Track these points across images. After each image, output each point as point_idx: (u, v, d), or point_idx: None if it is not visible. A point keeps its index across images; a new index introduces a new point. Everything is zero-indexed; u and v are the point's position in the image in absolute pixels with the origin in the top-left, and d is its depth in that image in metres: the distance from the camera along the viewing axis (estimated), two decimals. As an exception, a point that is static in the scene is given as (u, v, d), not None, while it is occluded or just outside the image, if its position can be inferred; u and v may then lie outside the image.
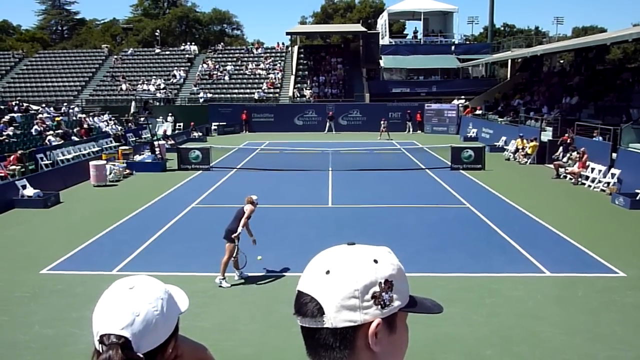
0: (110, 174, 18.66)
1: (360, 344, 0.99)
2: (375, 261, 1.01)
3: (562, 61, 42.97)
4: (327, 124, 35.54)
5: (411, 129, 35.51)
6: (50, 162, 20.25)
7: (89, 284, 8.82)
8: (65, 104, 34.13)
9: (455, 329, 7.33)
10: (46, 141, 22.11)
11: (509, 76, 40.86)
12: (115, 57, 47.60)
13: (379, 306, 0.99)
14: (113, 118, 32.11)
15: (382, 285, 1.00)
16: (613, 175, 16.55)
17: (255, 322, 7.62)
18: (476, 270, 9.60)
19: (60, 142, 22.52)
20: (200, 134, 33.39)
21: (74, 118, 28.72)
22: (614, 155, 17.19)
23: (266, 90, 41.23)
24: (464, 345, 6.99)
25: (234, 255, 8.92)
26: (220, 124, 36.22)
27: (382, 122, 32.71)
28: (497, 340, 7.07)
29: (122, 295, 1.11)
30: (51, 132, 23.53)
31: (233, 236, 8.86)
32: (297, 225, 12.80)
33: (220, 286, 8.78)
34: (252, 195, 9.40)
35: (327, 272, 1.00)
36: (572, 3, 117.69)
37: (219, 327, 7.45)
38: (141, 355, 1.09)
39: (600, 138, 18.83)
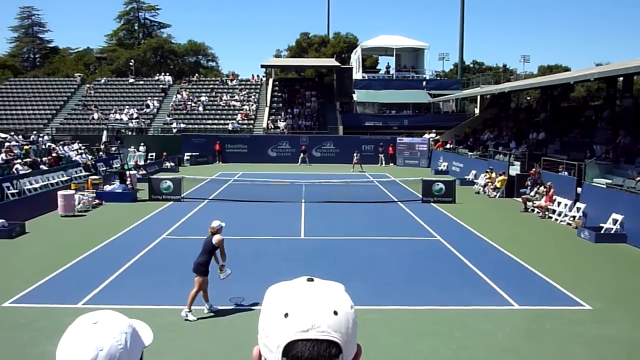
0: (78, 203, 18.28)
1: None
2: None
3: (528, 98, 44.55)
4: (301, 157, 35.77)
5: (384, 162, 35.99)
6: (17, 191, 19.76)
7: (53, 318, 8.55)
8: (34, 132, 33.57)
9: (425, 363, 7.34)
10: (14, 170, 21.62)
11: (478, 111, 42.00)
12: (88, 85, 47.28)
13: None
14: (83, 147, 31.67)
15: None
16: (578, 209, 17.00)
17: (226, 357, 7.48)
18: (446, 303, 9.66)
19: (28, 171, 22.06)
20: (173, 164, 33.13)
21: (44, 146, 28.22)
22: (579, 189, 17.71)
23: (240, 122, 41.36)
24: (434, 379, 6.99)
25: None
26: (193, 154, 36.09)
27: (355, 154, 33.10)
28: (467, 373, 7.10)
29: (86, 330, 1.13)
30: (19, 160, 23.06)
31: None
32: (269, 257, 12.71)
33: (187, 319, 8.61)
34: (213, 222, 9.04)
35: (335, 312, 0.99)
36: (539, 42, 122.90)
37: (186, 362, 7.28)
38: None
39: (566, 173, 19.38)
